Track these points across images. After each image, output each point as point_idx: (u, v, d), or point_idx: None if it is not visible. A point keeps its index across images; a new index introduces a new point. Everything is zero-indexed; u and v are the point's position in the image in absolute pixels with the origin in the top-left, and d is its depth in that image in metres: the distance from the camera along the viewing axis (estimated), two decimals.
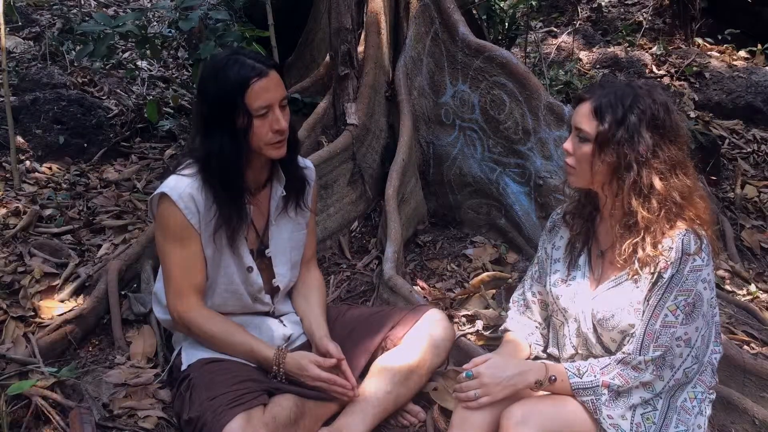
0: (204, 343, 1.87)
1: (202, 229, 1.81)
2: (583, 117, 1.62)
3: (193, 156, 1.86)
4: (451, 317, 2.45)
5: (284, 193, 1.94)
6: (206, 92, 1.77)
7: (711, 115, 4.58)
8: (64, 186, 3.28)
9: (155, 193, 1.81)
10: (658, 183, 1.56)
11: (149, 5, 5.15)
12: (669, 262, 1.56)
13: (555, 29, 5.88)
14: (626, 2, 6.14)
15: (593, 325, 1.70)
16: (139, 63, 4.80)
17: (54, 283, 2.42)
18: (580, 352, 1.77)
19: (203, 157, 1.79)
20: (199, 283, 1.83)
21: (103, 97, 4.25)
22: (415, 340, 1.97)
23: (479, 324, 2.44)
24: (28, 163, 3.43)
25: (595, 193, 1.72)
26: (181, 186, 1.78)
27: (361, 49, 3.29)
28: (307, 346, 1.99)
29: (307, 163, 2.07)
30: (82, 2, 5.21)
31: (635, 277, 1.62)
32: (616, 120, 1.56)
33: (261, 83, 1.72)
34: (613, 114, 1.56)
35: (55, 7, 5.19)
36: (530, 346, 1.88)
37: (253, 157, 1.82)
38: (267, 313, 2.02)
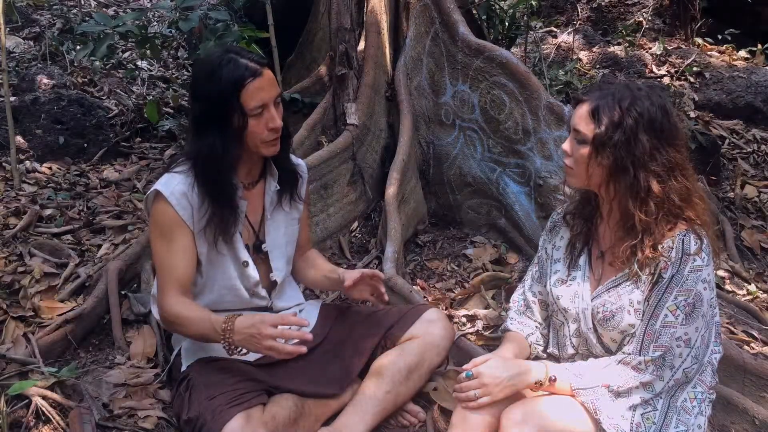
0: (182, 330, 1.81)
1: (196, 226, 1.81)
2: (581, 119, 1.62)
3: (186, 154, 1.87)
4: (451, 317, 2.45)
5: (278, 188, 1.94)
6: (200, 92, 1.77)
7: (711, 115, 4.58)
8: (64, 186, 3.28)
9: (150, 191, 1.82)
10: (655, 186, 1.55)
11: (149, 5, 5.16)
12: (669, 262, 1.56)
13: (555, 29, 5.88)
14: (626, 2, 6.14)
15: (593, 325, 1.70)
16: (139, 63, 4.80)
17: (54, 283, 2.42)
18: (580, 352, 1.77)
19: (194, 156, 1.80)
20: (181, 277, 1.80)
21: (103, 97, 4.25)
22: (415, 340, 1.97)
23: (479, 324, 2.44)
24: (28, 163, 3.43)
25: (594, 194, 1.72)
26: (173, 183, 1.79)
27: (361, 49, 3.29)
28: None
29: (297, 160, 2.08)
30: (82, 2, 5.21)
31: (635, 277, 1.62)
32: (612, 123, 1.56)
33: (256, 83, 1.72)
34: (610, 116, 1.56)
35: (55, 7, 5.19)
36: (530, 346, 1.88)
37: (246, 154, 1.82)
38: (265, 309, 2.02)
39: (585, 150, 1.61)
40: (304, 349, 1.67)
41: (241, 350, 1.72)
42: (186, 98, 4.34)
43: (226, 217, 1.81)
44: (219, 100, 1.71)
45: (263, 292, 1.98)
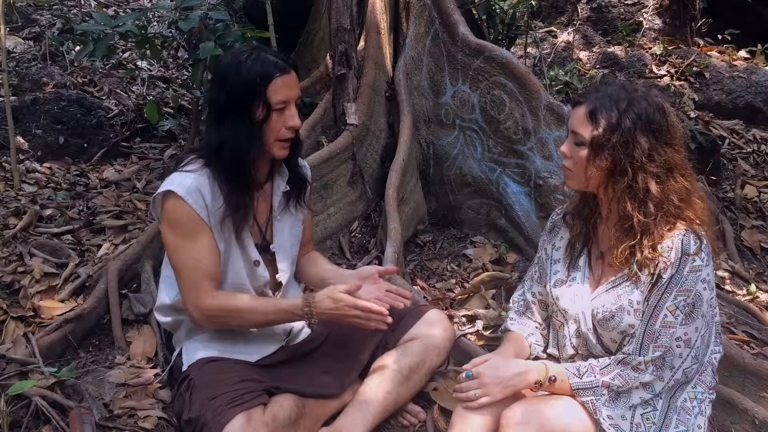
0: (235, 323, 1.84)
1: (212, 223, 1.80)
2: (579, 121, 1.61)
3: (201, 149, 1.88)
4: (451, 317, 2.45)
5: (287, 188, 1.94)
6: (227, 82, 1.78)
7: (711, 115, 4.58)
8: (64, 186, 3.28)
9: (158, 192, 1.79)
10: (654, 187, 1.55)
11: (149, 5, 5.15)
12: (668, 263, 1.56)
13: (555, 29, 5.88)
14: (626, 2, 6.14)
15: (593, 325, 1.70)
16: (139, 63, 4.80)
17: (54, 283, 2.42)
18: (580, 352, 1.77)
19: (216, 146, 1.79)
20: (213, 274, 1.80)
21: (103, 97, 4.25)
22: (416, 341, 1.97)
23: (479, 324, 2.44)
24: (28, 163, 3.43)
25: (594, 195, 1.72)
26: (187, 181, 1.77)
27: (361, 48, 3.29)
28: (309, 341, 2.00)
29: (303, 162, 2.09)
30: (82, 2, 5.21)
31: (634, 278, 1.62)
32: (610, 124, 1.56)
33: (283, 79, 1.76)
34: (607, 118, 1.56)
35: (55, 7, 5.19)
36: (530, 347, 1.88)
37: (259, 152, 1.83)
38: None
39: (583, 152, 1.61)
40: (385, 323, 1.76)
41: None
42: (186, 98, 4.34)
43: (241, 211, 1.81)
44: (246, 90, 1.74)
45: (270, 293, 1.98)
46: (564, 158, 1.67)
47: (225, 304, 1.80)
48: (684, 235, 1.56)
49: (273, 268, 1.97)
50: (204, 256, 1.79)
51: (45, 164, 3.48)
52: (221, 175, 1.79)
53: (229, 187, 1.79)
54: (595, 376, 1.60)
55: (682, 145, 1.61)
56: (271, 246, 1.96)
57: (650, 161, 1.55)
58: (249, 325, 1.87)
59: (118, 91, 4.37)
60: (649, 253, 1.57)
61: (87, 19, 4.56)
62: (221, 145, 1.77)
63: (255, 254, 1.90)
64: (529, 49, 4.86)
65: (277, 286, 2.00)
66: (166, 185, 1.78)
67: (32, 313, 2.26)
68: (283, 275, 1.98)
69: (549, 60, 4.94)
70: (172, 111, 4.22)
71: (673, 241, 1.56)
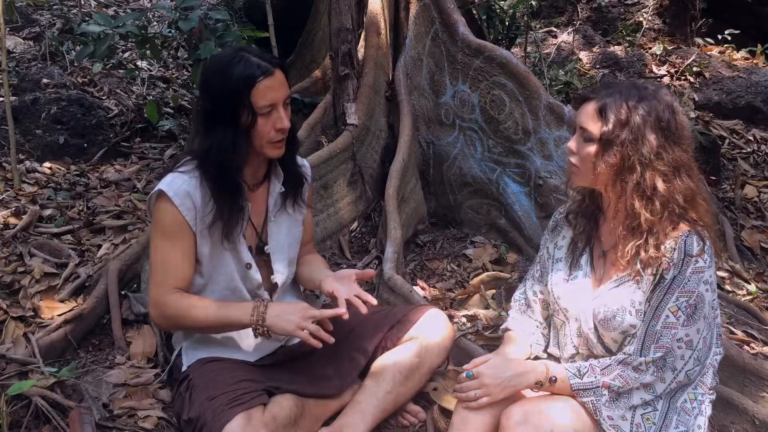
0: (189, 324, 1.84)
1: (198, 227, 1.81)
2: (588, 117, 1.61)
3: (192, 152, 1.87)
4: (451, 317, 2.45)
5: (282, 190, 1.94)
6: (210, 88, 1.77)
7: (711, 115, 4.59)
8: (64, 186, 3.29)
9: (153, 190, 1.82)
10: (661, 185, 1.55)
11: (149, 5, 5.16)
12: (671, 263, 1.56)
13: (555, 29, 5.88)
14: (626, 2, 6.14)
15: (594, 325, 1.70)
16: (139, 63, 4.80)
17: (54, 283, 2.42)
18: (581, 352, 1.76)
19: (203, 152, 1.79)
20: (182, 279, 1.82)
21: (103, 97, 4.25)
22: (415, 340, 1.97)
23: (479, 324, 2.44)
24: (28, 163, 3.43)
25: (598, 193, 1.71)
26: (178, 183, 1.78)
27: (361, 49, 3.29)
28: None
29: (302, 161, 2.08)
30: (82, 2, 5.21)
31: (637, 277, 1.62)
32: (620, 121, 1.55)
33: (267, 82, 1.72)
34: (617, 114, 1.56)
35: (55, 7, 5.19)
36: (531, 346, 1.88)
37: (252, 154, 1.82)
38: None
39: (591, 148, 1.60)
40: (332, 339, 1.75)
41: (269, 333, 1.77)
42: (186, 98, 4.34)
43: (229, 216, 1.81)
44: (229, 96, 1.71)
45: (265, 295, 1.97)
46: (570, 155, 1.67)
47: (179, 305, 1.79)
48: (687, 236, 1.56)
49: (269, 270, 1.97)
50: (177, 258, 1.80)
51: (45, 164, 3.48)
52: (210, 182, 1.79)
53: (217, 192, 1.78)
54: (595, 377, 1.60)
55: (689, 145, 1.60)
56: (266, 247, 1.95)
57: (658, 159, 1.55)
58: (204, 329, 1.85)
59: (118, 91, 4.37)
60: (653, 252, 1.57)
61: (87, 19, 4.56)
62: (208, 151, 1.77)
63: (247, 257, 1.90)
64: (529, 49, 4.86)
65: (273, 287, 1.99)
66: (159, 185, 1.79)
67: (32, 313, 2.26)
68: (279, 276, 1.98)
69: (549, 60, 4.94)
70: (172, 111, 4.22)
71: (676, 241, 1.56)
